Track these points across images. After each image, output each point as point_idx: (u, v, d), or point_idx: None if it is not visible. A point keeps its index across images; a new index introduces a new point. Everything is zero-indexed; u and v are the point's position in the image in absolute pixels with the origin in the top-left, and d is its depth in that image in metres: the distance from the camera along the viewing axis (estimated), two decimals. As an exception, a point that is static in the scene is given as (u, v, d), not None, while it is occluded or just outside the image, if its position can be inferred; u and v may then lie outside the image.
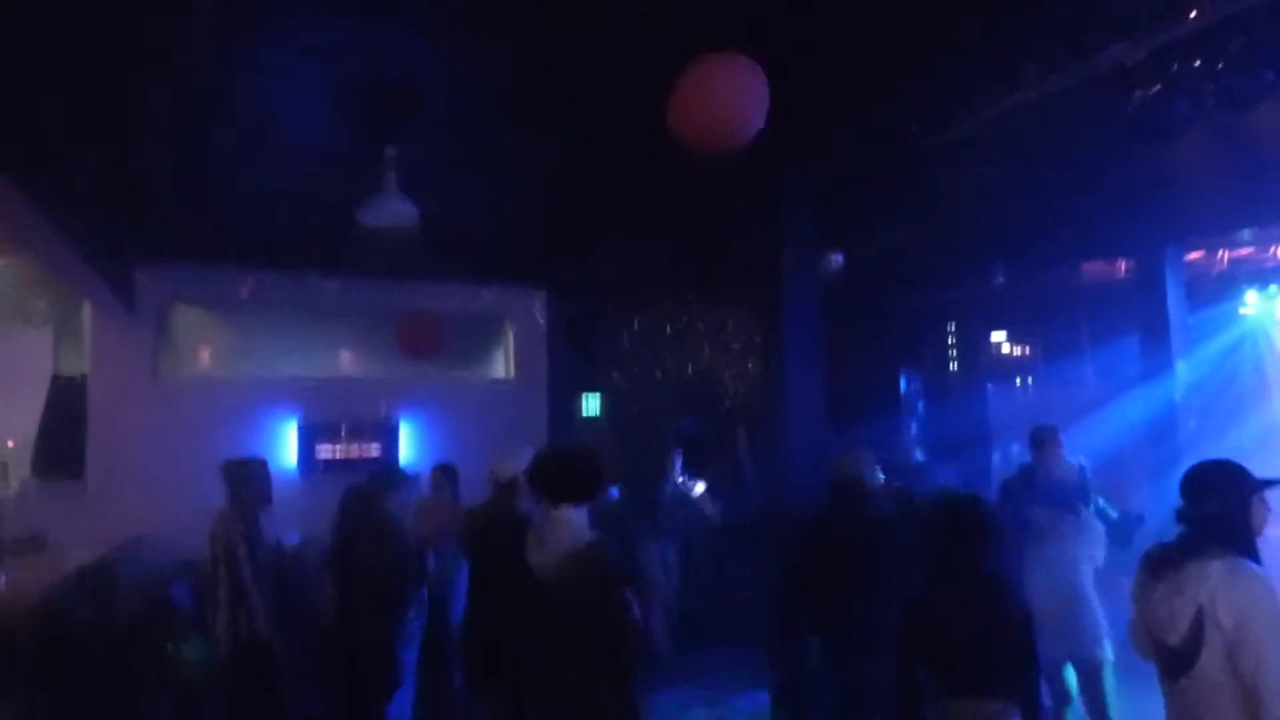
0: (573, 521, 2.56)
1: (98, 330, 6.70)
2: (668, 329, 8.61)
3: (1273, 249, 6.74)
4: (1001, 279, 6.45)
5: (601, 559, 2.50)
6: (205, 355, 7.26)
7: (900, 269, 6.71)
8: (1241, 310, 7.24)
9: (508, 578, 3.05)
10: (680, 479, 6.72)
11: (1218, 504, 2.30)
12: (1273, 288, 6.99)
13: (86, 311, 6.75)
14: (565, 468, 2.67)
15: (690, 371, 8.54)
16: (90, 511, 6.28)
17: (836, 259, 6.17)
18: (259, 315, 7.42)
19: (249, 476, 4.52)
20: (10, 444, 6.47)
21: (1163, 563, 2.34)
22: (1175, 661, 2.26)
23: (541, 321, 8.27)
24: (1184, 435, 5.33)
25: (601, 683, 2.44)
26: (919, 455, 5.91)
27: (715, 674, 5.94)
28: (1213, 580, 2.21)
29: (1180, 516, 2.36)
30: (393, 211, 5.32)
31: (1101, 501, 4.25)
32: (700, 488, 6.90)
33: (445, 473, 5.87)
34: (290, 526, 6.44)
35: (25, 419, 6.50)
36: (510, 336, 8.34)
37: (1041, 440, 4.24)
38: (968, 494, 2.88)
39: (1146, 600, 2.35)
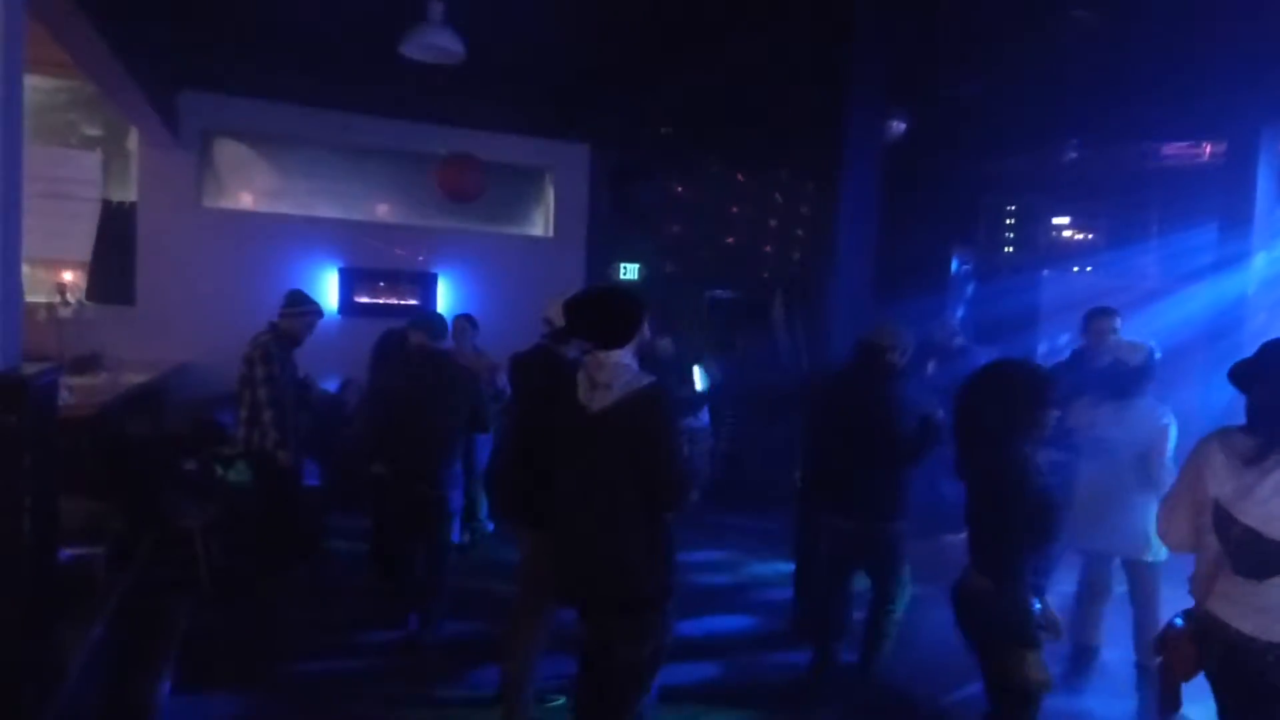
0: (625, 363, 2.56)
1: (144, 157, 6.69)
2: (712, 194, 8.35)
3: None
4: (1074, 153, 6.02)
5: (660, 397, 2.53)
6: (248, 189, 7.24)
7: (965, 136, 6.31)
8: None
9: (553, 418, 3.11)
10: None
11: None
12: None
13: (133, 138, 6.72)
14: (605, 311, 2.62)
15: (731, 240, 8.34)
16: (142, 335, 6.49)
17: (898, 123, 5.80)
18: (300, 153, 7.33)
19: (296, 308, 4.62)
20: (68, 276, 6.61)
21: (1266, 452, 2.12)
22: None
23: (584, 178, 8.06)
24: (1249, 331, 5.09)
25: (636, 513, 2.50)
26: (960, 340, 5.75)
27: (736, 542, 6.11)
28: None
29: (1266, 400, 2.15)
30: (438, 45, 5.10)
31: None
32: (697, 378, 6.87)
33: (469, 321, 5.96)
34: (330, 368, 6.64)
35: (79, 243, 6.61)
36: (551, 193, 8.16)
37: (1096, 321, 4.04)
38: (1020, 359, 2.71)
39: (1246, 493, 2.14)
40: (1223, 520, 2.19)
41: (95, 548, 3.41)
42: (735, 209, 8.37)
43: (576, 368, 3.26)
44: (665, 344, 6.11)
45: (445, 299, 7.61)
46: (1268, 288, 5.32)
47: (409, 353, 4.39)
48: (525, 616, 3.35)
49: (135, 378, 5.45)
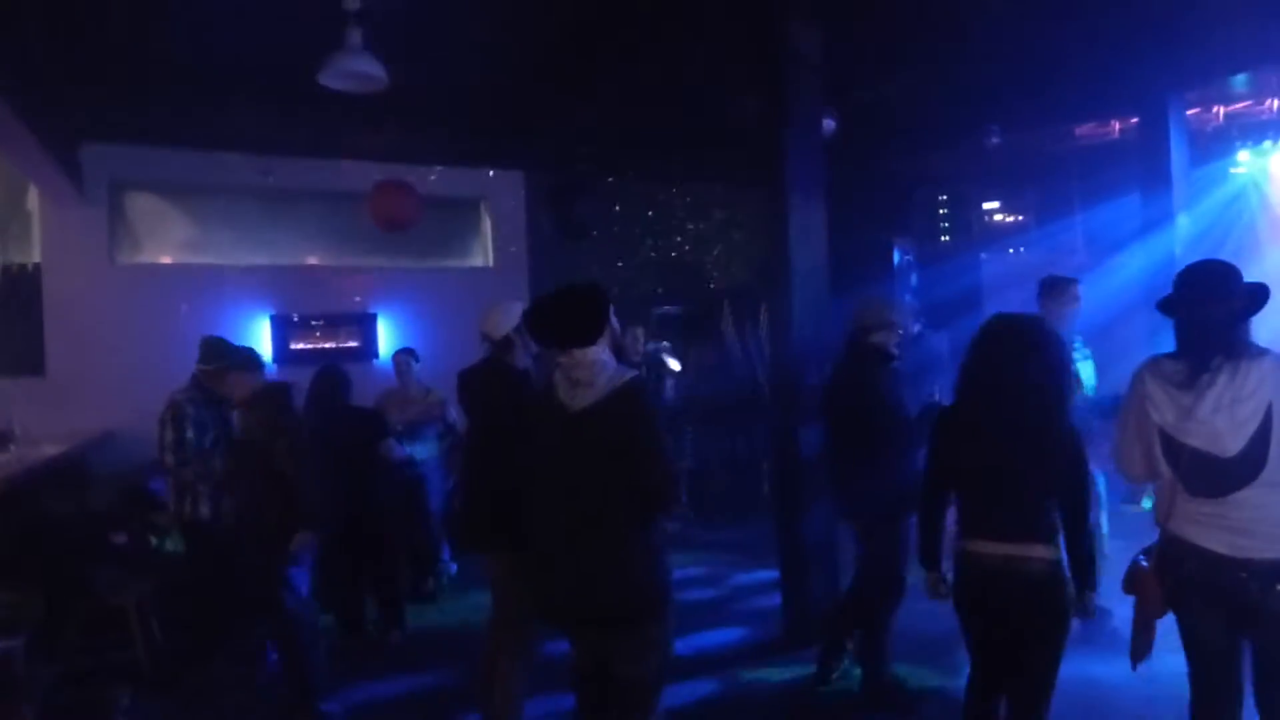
0: (604, 359, 2.42)
1: (46, 215, 6.29)
2: (650, 212, 8.32)
3: (1268, 101, 6.58)
4: (996, 139, 6.20)
5: (644, 391, 2.42)
6: (165, 243, 6.86)
7: (893, 130, 6.44)
8: (1233, 170, 7.16)
9: (510, 433, 2.93)
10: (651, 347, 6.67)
11: (1236, 300, 2.16)
12: (1266, 143, 6.89)
13: (33, 197, 6.31)
14: (567, 310, 2.47)
15: (674, 254, 8.32)
16: (54, 406, 6.01)
17: (828, 121, 5.87)
18: (219, 200, 7.00)
19: (212, 365, 4.19)
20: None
21: (1198, 372, 2.16)
22: (1235, 472, 2.11)
23: (520, 205, 7.93)
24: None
25: (627, 517, 2.34)
26: (918, 326, 5.79)
27: (712, 555, 5.96)
28: (1271, 375, 2.09)
29: (1192, 321, 2.19)
30: (358, 72, 4.92)
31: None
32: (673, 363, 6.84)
33: (410, 355, 5.73)
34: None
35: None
36: (488, 223, 8.01)
37: (1070, 287, 3.88)
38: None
39: (1187, 415, 2.15)
40: (1170, 446, 2.21)
41: (11, 640, 3.08)
42: (676, 223, 8.36)
43: (527, 376, 3.11)
44: (636, 334, 6.07)
45: (386, 339, 7.34)
46: (1193, 246, 5.51)
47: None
48: (503, 652, 3.11)
49: (50, 450, 5.03)
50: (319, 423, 4.47)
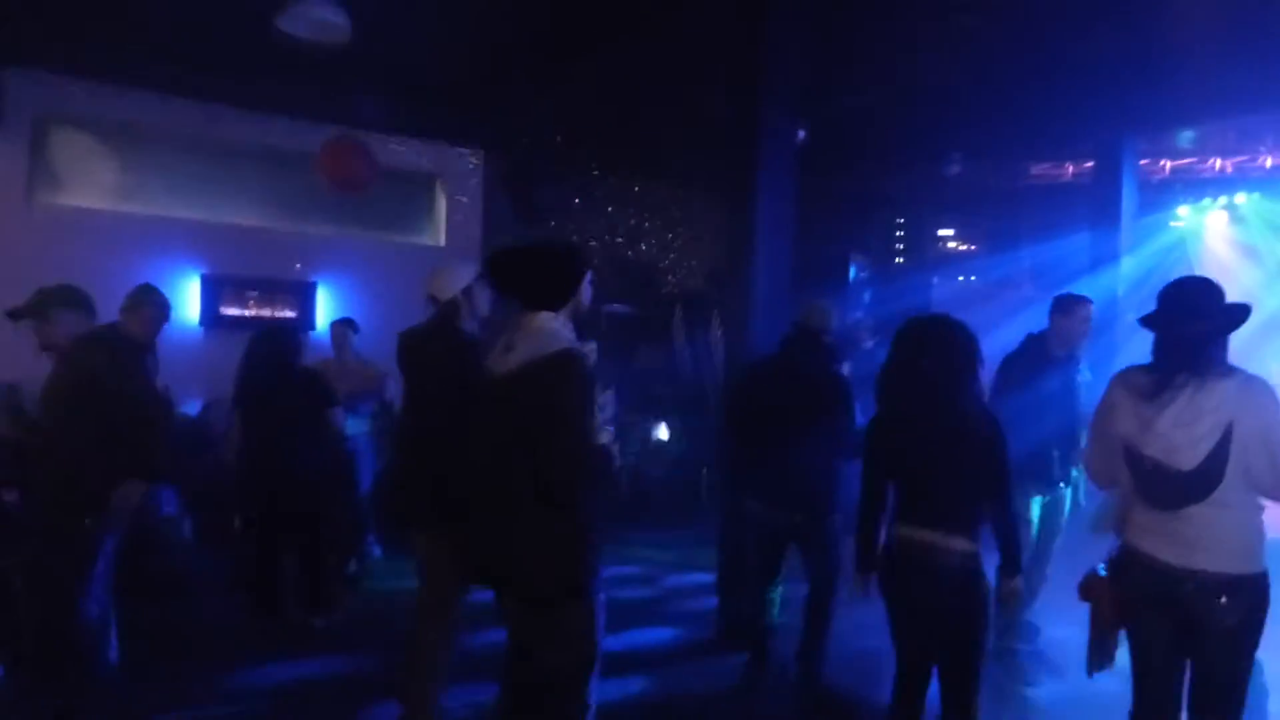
0: (553, 327, 2.22)
1: (-42, 143, 5.79)
2: (610, 208, 8.21)
3: (1212, 160, 6.90)
4: (957, 167, 6.34)
5: (574, 364, 2.16)
6: (90, 185, 6.38)
7: (857, 148, 6.51)
8: (1172, 223, 7.49)
9: (450, 399, 2.77)
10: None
11: (1211, 320, 2.20)
12: (1206, 200, 7.22)
13: (-57, 122, 5.81)
14: (537, 265, 2.31)
15: (630, 254, 8.22)
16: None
17: (799, 132, 5.88)
18: (156, 146, 6.56)
19: (132, 300, 3.74)
20: None
21: (1162, 386, 2.20)
22: (1189, 487, 2.15)
23: (478, 187, 7.71)
24: (1122, 327, 5.41)
25: (557, 497, 2.16)
26: (870, 343, 5.82)
27: (647, 556, 5.84)
28: (1234, 395, 2.12)
29: (1167, 337, 2.24)
30: (319, 19, 4.69)
31: None
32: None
33: (349, 326, 5.47)
34: (193, 387, 5.92)
35: None
36: (442, 201, 7.76)
37: (1083, 308, 3.80)
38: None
39: (1147, 426, 2.21)
40: (1131, 456, 2.26)
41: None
42: (633, 223, 8.26)
43: (474, 342, 2.94)
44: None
45: (325, 310, 7.01)
46: (1135, 288, 5.70)
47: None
48: (427, 637, 2.94)
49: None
50: (257, 386, 4.26)
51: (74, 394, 3.04)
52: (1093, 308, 3.85)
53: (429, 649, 2.94)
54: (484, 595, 2.77)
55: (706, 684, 3.74)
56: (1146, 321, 2.31)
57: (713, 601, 4.46)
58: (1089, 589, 2.40)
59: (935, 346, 2.48)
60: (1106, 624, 2.35)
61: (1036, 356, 3.78)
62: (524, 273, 2.29)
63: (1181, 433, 2.14)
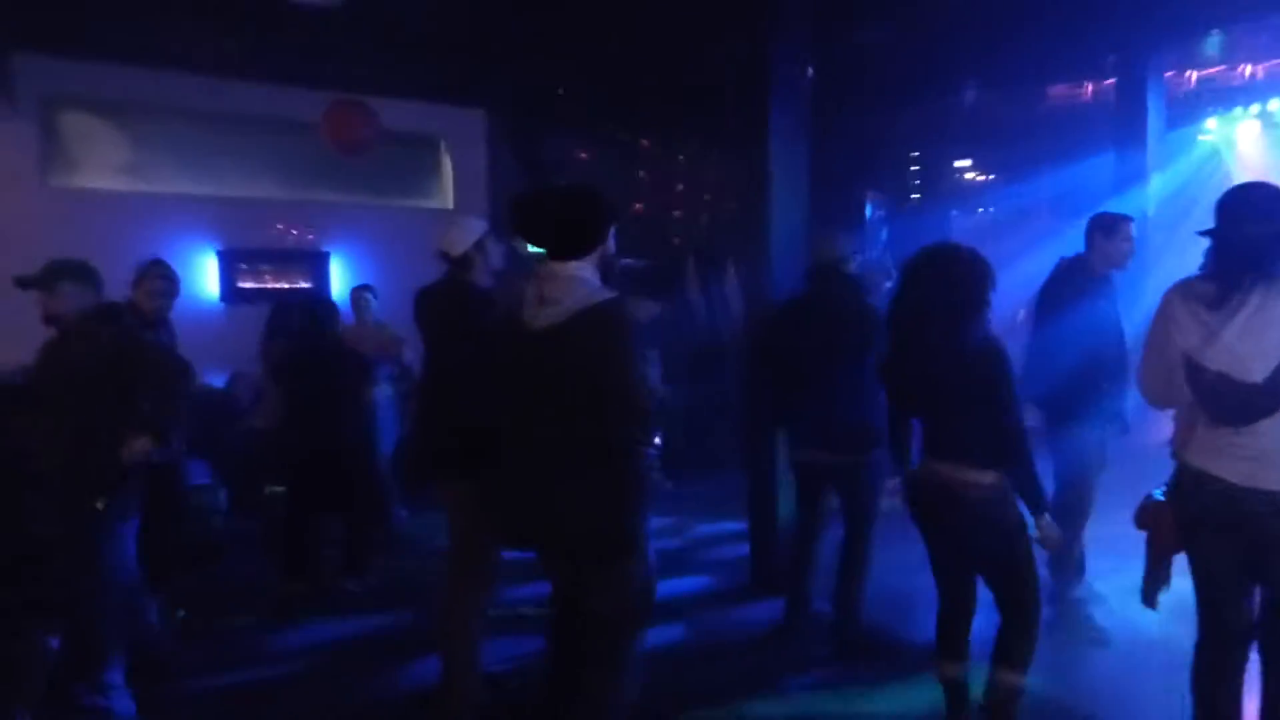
0: (583, 276, 2.19)
1: (-32, 128, 5.79)
2: (617, 161, 8.08)
3: (1241, 67, 6.61)
4: (972, 93, 6.12)
5: (620, 313, 2.15)
6: (102, 165, 6.38)
7: (868, 83, 6.30)
8: (1201, 136, 7.22)
9: (469, 356, 2.76)
10: None
11: (1273, 222, 2.06)
12: (1237, 110, 6.94)
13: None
14: (562, 211, 2.26)
15: (639, 207, 8.11)
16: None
17: (808, 69, 5.70)
18: (164, 123, 6.52)
19: (140, 274, 3.80)
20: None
21: (1228, 293, 2.05)
22: (1258, 400, 2.02)
23: (482, 146, 7.61)
24: (1152, 247, 5.26)
25: (589, 449, 2.16)
26: (888, 281, 5.70)
27: (674, 507, 5.82)
28: None
29: (1232, 238, 2.10)
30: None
31: None
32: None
33: (369, 291, 5.53)
34: (216, 360, 5.97)
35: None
36: (448, 162, 7.68)
37: (1113, 227, 3.49)
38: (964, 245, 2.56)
39: (1211, 337, 2.06)
40: (1193, 371, 2.12)
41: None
42: (642, 175, 8.13)
43: (490, 297, 2.91)
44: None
45: (339, 279, 7.02)
46: (1165, 207, 5.53)
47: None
48: (461, 592, 2.94)
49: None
50: (296, 356, 4.32)
51: (82, 368, 2.96)
52: (1132, 225, 3.58)
53: (463, 605, 2.97)
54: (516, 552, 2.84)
55: (744, 630, 3.77)
56: (1208, 231, 2.17)
57: (743, 549, 4.48)
58: (1146, 515, 2.32)
59: (935, 278, 2.42)
60: (1166, 551, 2.28)
61: (1079, 280, 3.49)
62: (550, 220, 2.25)
63: (1250, 342, 2.01)
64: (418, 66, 6.66)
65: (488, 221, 3.12)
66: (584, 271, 2.20)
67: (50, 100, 6.08)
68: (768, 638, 3.66)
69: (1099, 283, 3.50)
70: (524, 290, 2.29)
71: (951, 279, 2.40)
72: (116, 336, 3.05)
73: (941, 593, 2.65)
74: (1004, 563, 2.46)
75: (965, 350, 2.38)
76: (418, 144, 7.55)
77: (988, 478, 2.38)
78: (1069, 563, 3.53)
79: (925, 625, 3.51)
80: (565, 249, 2.20)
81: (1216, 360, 2.07)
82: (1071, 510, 3.39)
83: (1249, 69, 6.41)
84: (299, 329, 4.38)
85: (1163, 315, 2.23)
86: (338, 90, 6.64)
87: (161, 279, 3.71)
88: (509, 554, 2.87)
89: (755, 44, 4.38)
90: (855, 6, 5.41)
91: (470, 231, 2.96)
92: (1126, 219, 3.57)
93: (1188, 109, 6.85)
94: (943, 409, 2.47)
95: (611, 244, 2.31)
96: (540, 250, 2.28)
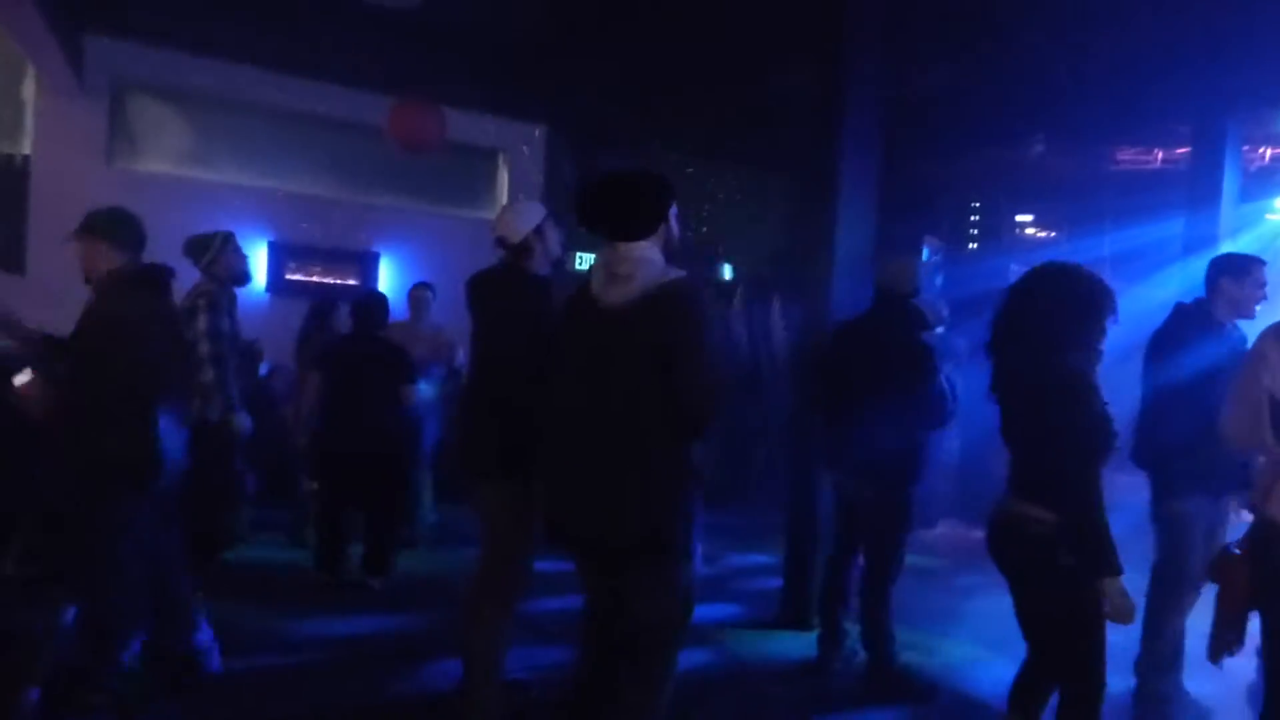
0: (650, 256, 2.17)
1: (43, 106, 5.93)
2: (676, 185, 8.07)
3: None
4: (1040, 147, 6.04)
5: (694, 293, 2.14)
6: (164, 150, 6.50)
7: (935, 123, 6.25)
8: (1268, 215, 7.04)
9: (523, 347, 2.69)
10: None
11: None
12: (1308, 189, 6.76)
13: (29, 87, 5.96)
14: (626, 193, 2.23)
15: (689, 233, 8.08)
16: (33, 308, 5.56)
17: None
18: (226, 114, 6.65)
19: (214, 241, 3.83)
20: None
21: None
22: None
23: (540, 162, 7.66)
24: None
25: (655, 433, 2.08)
26: (942, 328, 5.57)
27: (704, 537, 5.66)
28: None
29: None
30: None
31: None
32: None
33: (428, 289, 5.46)
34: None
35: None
36: (505, 176, 7.73)
37: (1243, 269, 3.10)
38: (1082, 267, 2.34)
39: None
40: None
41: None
42: (699, 201, 8.13)
43: (548, 285, 2.84)
44: None
45: (387, 280, 7.04)
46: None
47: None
48: (489, 595, 2.81)
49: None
50: (346, 352, 4.34)
51: (100, 337, 2.74)
52: (1265, 269, 3.13)
53: (490, 608, 2.84)
54: (542, 563, 2.74)
55: (773, 661, 3.64)
56: None
57: (775, 582, 4.33)
58: (1221, 569, 2.20)
59: (1038, 292, 2.21)
60: (1238, 608, 2.14)
61: (1199, 328, 3.09)
62: (614, 202, 2.23)
63: None
64: (485, 79, 6.74)
65: (544, 207, 3.04)
66: (650, 252, 2.19)
67: (119, 84, 6.23)
68: (796, 671, 3.52)
69: (1222, 332, 3.11)
70: (593, 267, 2.27)
71: (1046, 304, 2.20)
72: (133, 301, 2.81)
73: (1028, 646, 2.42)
74: (1056, 617, 2.19)
75: (1043, 382, 2.17)
76: (477, 154, 7.63)
77: (1053, 515, 2.15)
78: (1159, 647, 3.11)
79: (970, 673, 3.32)
80: (631, 229, 2.17)
81: None
82: (1169, 586, 3.07)
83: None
84: (353, 327, 4.39)
85: (1255, 355, 2.19)
86: (399, 96, 6.76)
87: (236, 240, 3.81)
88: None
89: (828, 64, 4.36)
90: (927, 48, 5.39)
91: (530, 216, 2.87)
92: (1259, 261, 3.17)
93: (1258, 184, 6.72)
94: (1018, 436, 2.30)
95: (674, 224, 2.29)
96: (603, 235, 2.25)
